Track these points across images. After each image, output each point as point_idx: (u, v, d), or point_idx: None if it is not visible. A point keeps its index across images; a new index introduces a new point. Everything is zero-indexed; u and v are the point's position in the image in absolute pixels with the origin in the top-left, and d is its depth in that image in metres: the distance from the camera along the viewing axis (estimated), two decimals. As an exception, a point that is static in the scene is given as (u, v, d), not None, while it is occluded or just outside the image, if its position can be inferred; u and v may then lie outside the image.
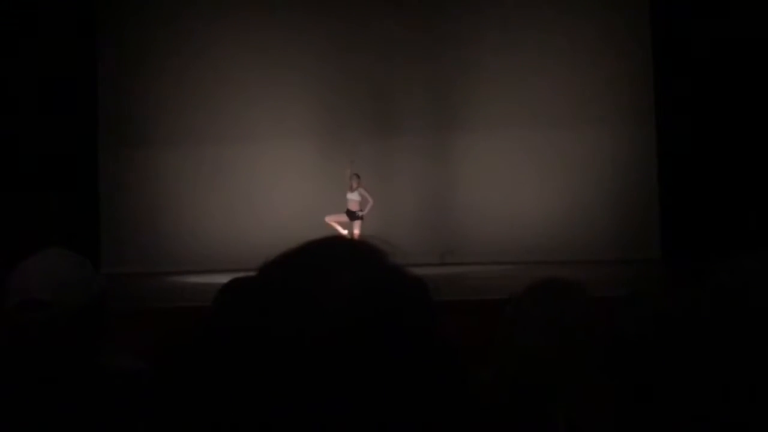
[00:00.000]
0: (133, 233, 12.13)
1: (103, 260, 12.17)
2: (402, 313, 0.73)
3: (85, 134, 12.15)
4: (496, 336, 1.38)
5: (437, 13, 11.83)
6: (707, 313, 1.10)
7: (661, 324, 1.24)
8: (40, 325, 1.50)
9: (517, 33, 11.62)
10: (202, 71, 12.23)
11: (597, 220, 11.27)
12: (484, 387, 1.45)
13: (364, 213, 10.70)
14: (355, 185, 10.71)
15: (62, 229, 11.36)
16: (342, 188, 10.95)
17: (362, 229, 10.59)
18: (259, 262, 0.77)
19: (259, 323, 0.70)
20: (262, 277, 0.76)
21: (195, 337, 0.74)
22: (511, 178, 11.66)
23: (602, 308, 1.50)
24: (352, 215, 10.67)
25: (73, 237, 11.54)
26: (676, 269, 9.72)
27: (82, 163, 12.05)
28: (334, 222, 10.61)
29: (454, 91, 11.84)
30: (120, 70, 12.29)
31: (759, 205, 9.96)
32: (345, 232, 10.33)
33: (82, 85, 12.07)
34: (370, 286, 0.72)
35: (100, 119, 12.41)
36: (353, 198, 10.72)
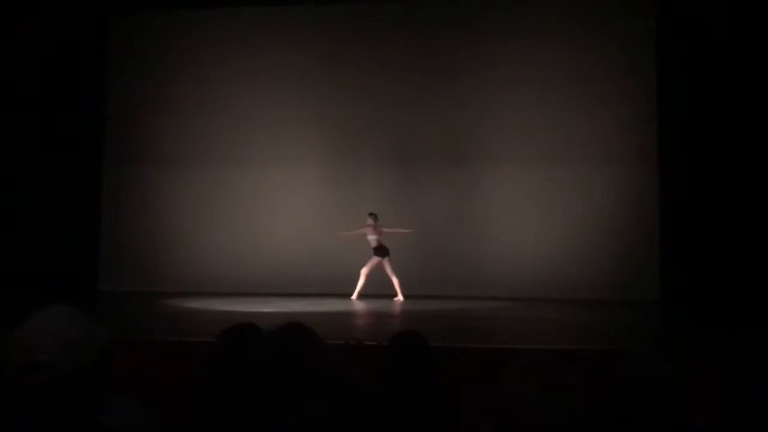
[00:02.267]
0: (133, 253, 12.11)
1: (101, 278, 12.16)
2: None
3: (90, 154, 12.21)
4: (496, 399, 1.38)
5: (444, 51, 11.88)
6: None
7: (658, 391, 1.24)
8: (42, 388, 1.50)
9: (523, 73, 11.67)
10: (207, 93, 12.28)
11: (597, 259, 11.24)
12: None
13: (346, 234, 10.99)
14: (372, 223, 10.92)
15: (63, 247, 11.39)
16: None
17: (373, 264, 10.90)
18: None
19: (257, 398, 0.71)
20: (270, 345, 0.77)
21: (193, 402, 0.75)
22: (514, 215, 11.65)
23: (599, 363, 1.50)
24: (377, 251, 10.87)
25: (73, 254, 11.59)
26: (673, 312, 9.71)
27: (85, 181, 12.10)
28: (366, 271, 10.89)
29: (460, 128, 11.85)
30: (126, 91, 12.37)
31: (759, 249, 9.97)
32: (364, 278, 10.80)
33: (88, 105, 12.15)
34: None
35: (105, 139, 12.47)
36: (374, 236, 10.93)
